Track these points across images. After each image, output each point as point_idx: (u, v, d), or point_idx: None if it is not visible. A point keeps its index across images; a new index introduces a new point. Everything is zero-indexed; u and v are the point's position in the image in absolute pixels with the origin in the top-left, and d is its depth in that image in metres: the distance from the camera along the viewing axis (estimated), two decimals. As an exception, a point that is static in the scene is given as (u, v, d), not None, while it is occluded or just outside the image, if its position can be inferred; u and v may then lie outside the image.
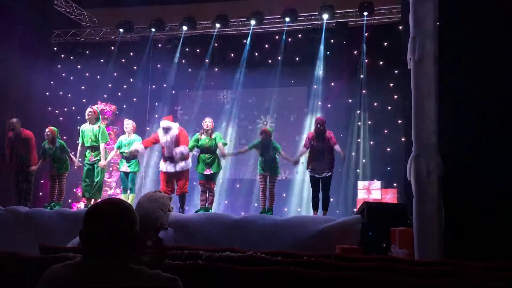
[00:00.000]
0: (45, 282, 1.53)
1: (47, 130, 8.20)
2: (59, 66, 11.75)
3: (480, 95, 5.73)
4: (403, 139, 8.48)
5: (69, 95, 11.62)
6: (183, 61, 11.46)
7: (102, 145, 7.89)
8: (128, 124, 8.16)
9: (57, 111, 11.45)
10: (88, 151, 8.02)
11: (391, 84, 9.92)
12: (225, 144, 7.91)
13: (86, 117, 7.99)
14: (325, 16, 10.20)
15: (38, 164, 8.30)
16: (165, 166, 7.73)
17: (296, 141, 10.59)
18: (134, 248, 1.57)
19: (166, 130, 7.69)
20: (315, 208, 7.42)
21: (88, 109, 8.03)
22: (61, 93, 11.57)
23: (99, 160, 7.92)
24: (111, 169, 10.48)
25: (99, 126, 7.93)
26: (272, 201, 7.62)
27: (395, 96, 9.74)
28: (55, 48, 11.83)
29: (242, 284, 3.08)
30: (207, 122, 7.78)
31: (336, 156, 7.49)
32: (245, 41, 11.23)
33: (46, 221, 7.23)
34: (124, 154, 8.03)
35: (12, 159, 8.31)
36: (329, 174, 7.37)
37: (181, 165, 7.63)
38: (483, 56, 5.76)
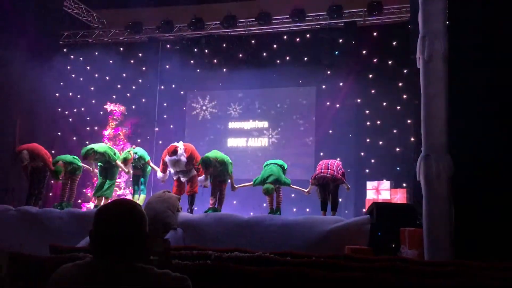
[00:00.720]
0: (55, 282, 1.54)
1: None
2: (68, 67, 11.82)
3: (490, 94, 5.68)
4: (412, 139, 8.44)
5: (78, 96, 11.70)
6: (192, 61, 11.49)
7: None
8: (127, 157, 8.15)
9: (66, 112, 11.53)
10: None
11: (400, 84, 9.87)
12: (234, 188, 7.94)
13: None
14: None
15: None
16: (177, 176, 7.81)
17: (306, 144, 10.59)
18: (143, 248, 1.58)
19: (174, 164, 7.58)
20: (324, 208, 7.41)
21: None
22: (70, 94, 11.64)
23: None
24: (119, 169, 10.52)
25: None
26: (279, 201, 7.61)
27: (404, 96, 9.69)
28: (64, 50, 11.91)
29: (250, 284, 3.08)
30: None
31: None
32: (253, 41, 11.24)
33: (56, 221, 7.27)
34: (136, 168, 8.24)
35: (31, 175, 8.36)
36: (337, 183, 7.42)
37: (189, 175, 7.73)
38: (493, 55, 5.71)
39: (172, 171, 7.77)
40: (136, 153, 8.15)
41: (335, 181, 7.37)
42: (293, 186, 7.78)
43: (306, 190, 7.85)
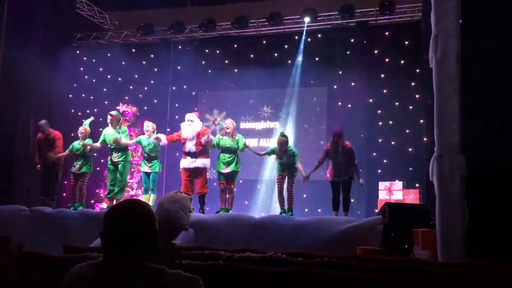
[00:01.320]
0: (68, 281, 1.56)
1: (81, 128, 8.43)
2: (81, 69, 11.93)
3: (504, 94, 5.61)
4: (425, 139, 8.37)
5: (91, 97, 11.80)
6: (203, 62, 11.52)
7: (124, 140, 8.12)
8: (148, 125, 8.24)
9: (79, 113, 11.63)
10: (111, 152, 8.21)
11: (413, 84, 9.80)
12: (246, 147, 7.91)
13: (108, 122, 8.23)
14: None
15: (65, 153, 8.48)
16: (184, 162, 7.81)
17: (317, 144, 10.55)
18: (154, 247, 1.58)
19: (190, 122, 7.84)
20: (336, 208, 7.38)
21: (108, 116, 8.26)
22: (83, 95, 11.74)
23: (122, 160, 8.11)
24: (132, 170, 10.60)
25: (120, 128, 8.16)
26: (291, 201, 7.58)
27: (417, 96, 9.61)
28: (77, 51, 12.02)
29: (262, 285, 3.08)
30: (227, 123, 7.83)
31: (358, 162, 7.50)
32: (264, 41, 11.24)
33: (69, 221, 7.35)
34: (145, 155, 8.13)
35: (40, 161, 8.49)
36: (349, 178, 7.34)
37: (201, 161, 7.69)
38: (507, 54, 5.65)
39: (184, 134, 7.80)
40: (149, 144, 8.12)
41: (350, 153, 7.33)
42: (298, 163, 7.64)
43: (305, 175, 7.67)
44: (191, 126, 7.85)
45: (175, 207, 6.76)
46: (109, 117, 8.23)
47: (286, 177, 7.62)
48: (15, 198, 9.15)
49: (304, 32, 10.77)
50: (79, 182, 8.41)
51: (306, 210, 9.90)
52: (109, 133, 8.18)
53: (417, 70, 9.41)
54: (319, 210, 9.73)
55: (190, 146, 7.79)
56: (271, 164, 10.33)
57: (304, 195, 9.91)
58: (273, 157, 7.95)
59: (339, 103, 10.52)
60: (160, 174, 8.56)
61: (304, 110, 10.99)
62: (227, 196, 7.78)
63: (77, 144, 8.40)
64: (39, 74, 9.86)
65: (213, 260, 3.48)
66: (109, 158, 8.30)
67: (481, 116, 5.64)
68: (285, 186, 7.68)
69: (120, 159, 8.11)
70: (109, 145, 8.19)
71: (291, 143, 8.10)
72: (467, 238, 5.03)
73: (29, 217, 7.59)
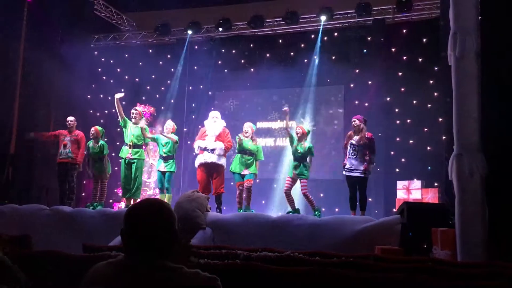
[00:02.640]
0: (89, 280, 1.58)
1: (92, 129, 8.45)
2: (99, 69, 12.07)
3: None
4: (444, 137, 8.27)
5: (109, 98, 11.89)
6: (219, 62, 11.55)
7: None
8: (169, 125, 8.26)
9: (98, 114, 11.76)
10: (127, 148, 8.18)
11: (431, 82, 9.70)
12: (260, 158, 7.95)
13: (132, 117, 8.29)
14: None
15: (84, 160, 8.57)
16: (201, 158, 7.86)
17: (334, 143, 10.51)
18: (173, 247, 1.59)
19: (215, 119, 7.97)
20: (353, 208, 7.32)
21: (133, 110, 8.30)
22: (101, 96, 11.87)
23: (137, 158, 8.13)
24: (150, 169, 10.68)
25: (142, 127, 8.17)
26: (311, 202, 7.52)
27: (435, 94, 9.51)
28: (95, 52, 12.16)
29: (279, 284, 3.08)
30: (246, 127, 7.88)
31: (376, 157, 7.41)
32: (280, 41, 11.22)
33: (88, 220, 7.42)
34: (162, 154, 8.16)
35: (52, 138, 8.64)
36: (364, 175, 7.25)
37: (217, 155, 7.73)
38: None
39: (209, 132, 7.86)
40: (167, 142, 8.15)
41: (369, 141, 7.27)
42: (310, 158, 7.58)
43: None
44: (216, 123, 7.92)
45: (192, 206, 6.79)
46: (133, 111, 8.29)
47: (298, 180, 7.54)
48: (35, 198, 9.29)
49: (321, 31, 10.73)
50: (100, 183, 8.49)
51: (324, 209, 9.86)
52: (131, 126, 8.23)
53: (435, 68, 9.31)
54: (337, 210, 9.69)
55: (209, 142, 7.83)
56: (287, 162, 10.31)
57: (321, 195, 9.88)
58: (290, 156, 7.91)
59: (356, 102, 10.44)
60: (177, 173, 8.61)
61: (320, 109, 10.95)
62: (244, 195, 7.75)
63: (91, 147, 8.43)
64: (58, 75, 10.01)
65: (230, 260, 3.49)
66: (121, 154, 8.27)
67: (501, 114, 5.54)
68: (299, 189, 7.59)
69: (135, 156, 8.11)
70: (128, 143, 8.18)
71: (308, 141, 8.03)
72: (488, 238, 4.96)
73: (49, 216, 7.69)
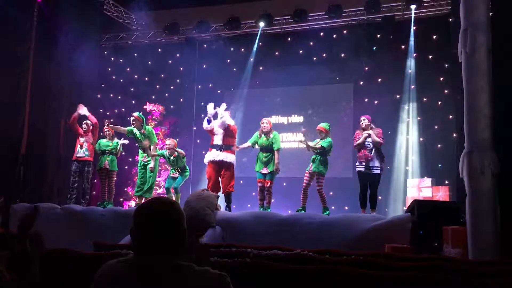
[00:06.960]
0: (100, 277, 1.59)
1: (105, 128, 8.71)
2: (109, 69, 12.13)
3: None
4: (454, 135, 8.21)
5: (119, 97, 11.98)
6: (228, 60, 11.55)
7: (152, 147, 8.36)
8: (170, 143, 8.31)
9: (108, 113, 11.82)
10: (140, 152, 8.50)
11: (442, 79, 9.61)
12: (279, 149, 7.90)
13: (131, 123, 8.40)
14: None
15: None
16: (210, 155, 7.89)
17: (344, 142, 10.45)
18: (183, 245, 1.60)
19: (221, 116, 7.98)
20: (363, 206, 7.30)
21: (131, 118, 8.41)
22: (111, 95, 11.93)
23: (151, 160, 8.32)
24: (160, 168, 10.73)
25: (146, 130, 8.33)
26: (324, 201, 7.52)
27: (446, 91, 9.43)
28: (105, 52, 12.22)
29: (289, 282, 3.07)
30: (264, 123, 7.92)
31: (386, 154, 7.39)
32: (289, 39, 11.19)
33: (99, 219, 7.50)
34: (172, 169, 8.50)
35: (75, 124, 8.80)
36: (378, 172, 7.24)
37: (225, 155, 7.76)
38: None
39: (216, 125, 7.90)
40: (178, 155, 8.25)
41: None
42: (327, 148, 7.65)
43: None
44: (222, 118, 7.93)
45: (202, 204, 6.81)
46: (132, 118, 8.40)
47: (315, 177, 7.55)
48: (47, 197, 9.38)
49: (329, 29, 10.69)
50: (108, 181, 8.60)
51: (333, 207, 9.83)
52: (136, 132, 8.35)
53: (446, 65, 9.23)
54: (346, 208, 9.66)
55: (217, 139, 7.87)
56: (301, 161, 10.28)
57: (331, 193, 9.84)
58: (302, 155, 7.92)
59: (366, 100, 10.39)
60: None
61: (330, 107, 10.90)
62: (265, 194, 7.78)
63: (104, 142, 8.68)
64: (68, 75, 10.08)
65: (240, 258, 3.49)
66: (138, 157, 8.64)
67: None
68: (316, 186, 7.58)
69: (149, 158, 8.35)
70: (140, 147, 8.46)
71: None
72: (499, 235, 4.92)
73: (60, 214, 7.78)
